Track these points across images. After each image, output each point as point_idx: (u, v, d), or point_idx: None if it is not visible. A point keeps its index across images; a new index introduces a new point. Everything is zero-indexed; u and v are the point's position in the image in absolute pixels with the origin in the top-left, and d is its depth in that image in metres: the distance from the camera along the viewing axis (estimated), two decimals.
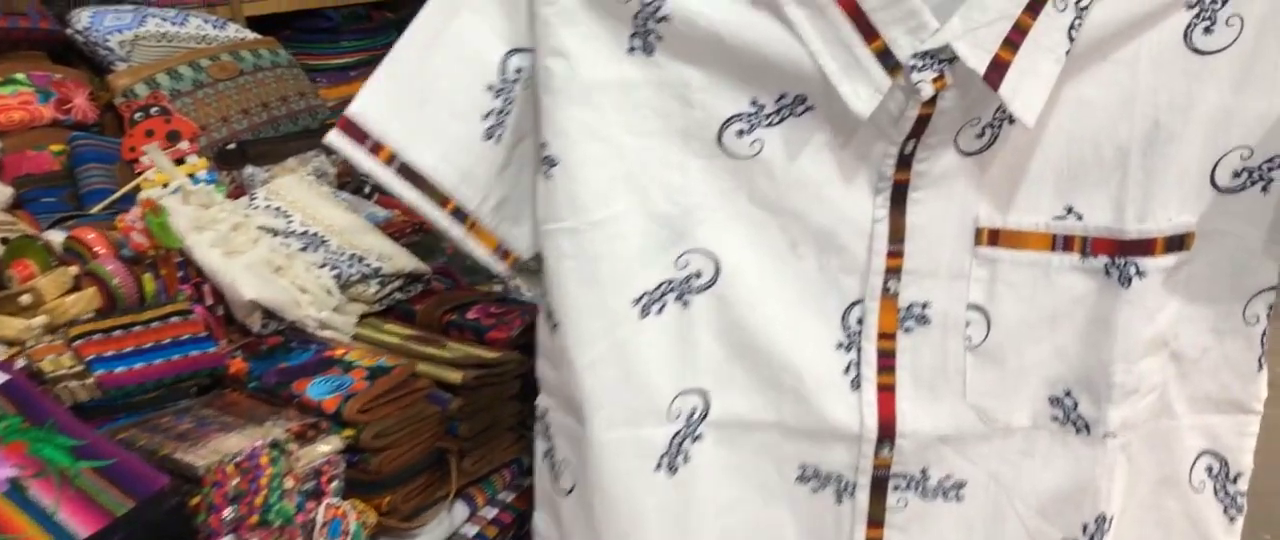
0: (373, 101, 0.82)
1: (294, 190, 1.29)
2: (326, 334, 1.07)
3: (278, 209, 1.23)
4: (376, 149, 0.81)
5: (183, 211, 1.13)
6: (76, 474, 0.77)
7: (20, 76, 1.48)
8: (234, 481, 0.81)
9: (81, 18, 1.61)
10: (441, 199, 0.83)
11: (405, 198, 0.82)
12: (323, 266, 1.11)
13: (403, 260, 1.19)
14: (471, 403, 1.00)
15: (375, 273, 1.15)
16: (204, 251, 1.06)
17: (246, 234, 1.09)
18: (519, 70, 0.80)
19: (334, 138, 0.82)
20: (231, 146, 1.45)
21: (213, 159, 1.41)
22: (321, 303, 1.06)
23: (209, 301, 1.06)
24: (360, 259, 1.16)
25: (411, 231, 1.34)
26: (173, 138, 1.42)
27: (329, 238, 1.19)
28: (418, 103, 0.81)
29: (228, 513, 0.81)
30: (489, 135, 0.82)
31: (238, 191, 1.37)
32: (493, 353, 1.05)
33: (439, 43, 0.80)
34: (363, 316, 1.15)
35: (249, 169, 1.40)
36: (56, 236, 1.17)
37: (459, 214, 0.84)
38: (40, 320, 1.01)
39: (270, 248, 1.09)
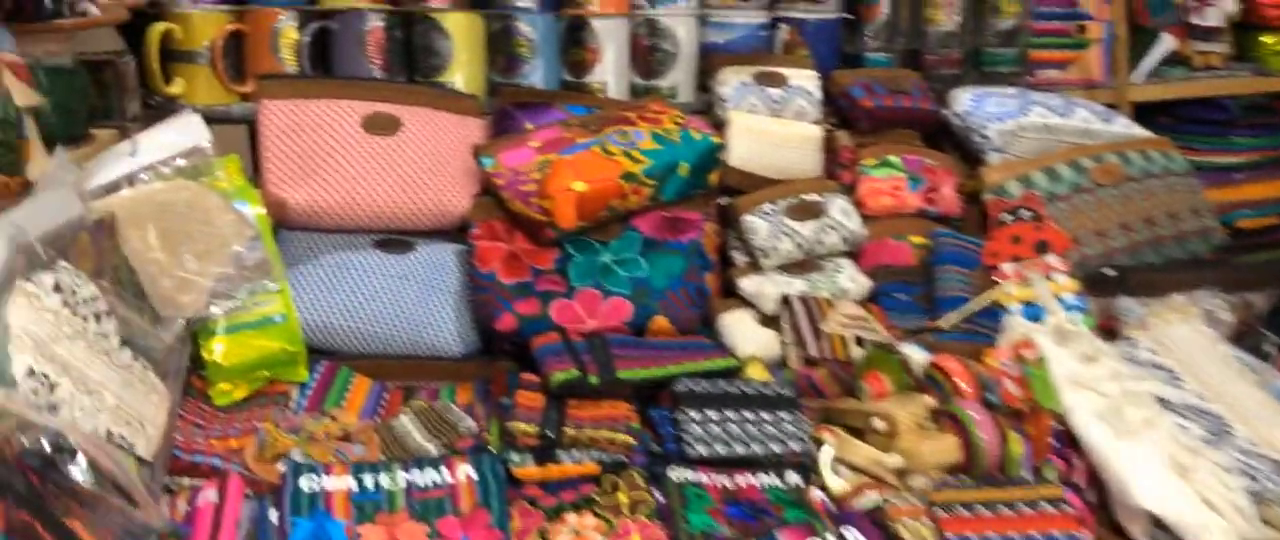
0: None
1: (1182, 344, 1.06)
2: None
3: (1166, 370, 1.01)
4: None
5: (1059, 358, 0.97)
6: None
7: (894, 159, 1.45)
8: None
9: (962, 100, 1.54)
10: None
11: None
12: (1229, 471, 0.87)
13: None
14: None
15: None
16: (1086, 422, 0.89)
17: (1141, 410, 0.88)
18: None
19: None
20: (1108, 270, 1.25)
21: (1082, 281, 1.23)
22: (1230, 527, 0.82)
23: (1080, 484, 0.88)
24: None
25: None
26: (1040, 248, 1.29)
27: (1233, 424, 0.94)
28: None
29: None
30: None
31: (1106, 325, 1.19)
32: None
33: None
34: None
35: (1124, 300, 1.20)
36: (916, 354, 1.09)
37: None
38: (895, 460, 0.92)
39: (1171, 435, 0.87)
